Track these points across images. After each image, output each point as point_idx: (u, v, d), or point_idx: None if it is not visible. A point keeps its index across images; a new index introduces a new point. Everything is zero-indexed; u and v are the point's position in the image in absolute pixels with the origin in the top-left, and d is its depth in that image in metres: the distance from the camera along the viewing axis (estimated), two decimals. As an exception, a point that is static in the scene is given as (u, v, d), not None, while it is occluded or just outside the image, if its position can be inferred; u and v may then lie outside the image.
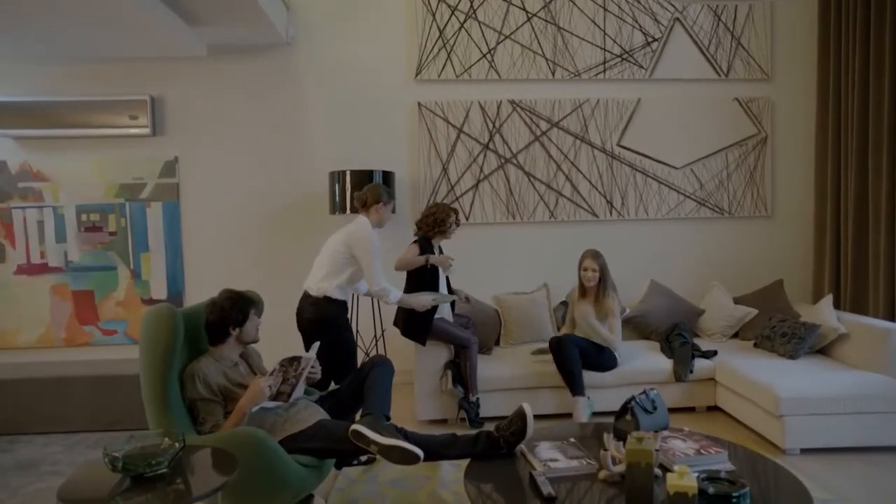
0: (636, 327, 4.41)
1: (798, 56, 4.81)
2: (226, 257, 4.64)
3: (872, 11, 4.14)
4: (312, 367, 2.59)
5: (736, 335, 4.38)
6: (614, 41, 4.68)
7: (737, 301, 4.48)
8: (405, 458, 2.30)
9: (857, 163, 4.31)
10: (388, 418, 2.53)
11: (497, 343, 4.30)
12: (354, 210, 4.18)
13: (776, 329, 3.96)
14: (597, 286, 3.84)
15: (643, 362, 3.87)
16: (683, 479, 1.85)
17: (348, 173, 4.18)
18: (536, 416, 3.92)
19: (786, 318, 4.00)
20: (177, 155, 4.57)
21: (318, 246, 4.67)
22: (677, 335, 4.12)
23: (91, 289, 4.57)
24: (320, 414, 2.57)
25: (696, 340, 4.22)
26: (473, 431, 2.47)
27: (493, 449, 2.39)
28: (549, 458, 2.34)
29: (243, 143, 4.60)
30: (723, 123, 4.76)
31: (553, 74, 4.66)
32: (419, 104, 4.61)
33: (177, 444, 1.78)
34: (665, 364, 3.86)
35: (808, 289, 4.87)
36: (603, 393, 3.81)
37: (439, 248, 3.85)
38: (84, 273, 4.56)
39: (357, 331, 4.47)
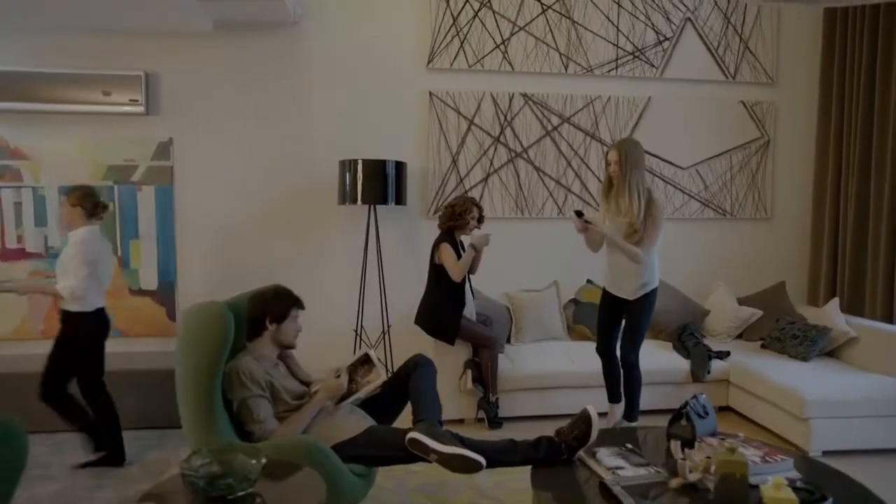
0: (645, 327, 4.40)
1: (803, 62, 4.89)
2: (223, 247, 4.39)
3: (881, 19, 4.23)
4: (378, 387, 2.46)
5: (740, 336, 4.44)
6: (627, 38, 4.64)
7: (740, 302, 4.53)
8: (467, 466, 2.19)
9: (860, 168, 4.41)
10: (440, 423, 2.41)
11: (507, 341, 4.22)
12: (366, 201, 4.02)
13: (785, 331, 4.02)
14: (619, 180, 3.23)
15: (660, 362, 3.86)
16: (780, 491, 1.81)
17: (360, 163, 4.00)
18: (554, 416, 3.89)
19: (794, 321, 4.06)
20: (171, 136, 4.28)
21: (325, 237, 4.48)
22: (689, 335, 4.14)
23: (73, 277, 4.24)
24: (368, 420, 2.43)
25: (704, 341, 4.24)
26: (532, 437, 2.37)
27: (554, 455, 2.30)
28: (614, 465, 2.26)
29: (244, 126, 4.36)
30: (728, 125, 4.80)
31: (566, 69, 4.59)
32: (430, 93, 4.46)
33: (256, 462, 1.61)
34: (682, 364, 3.87)
35: (804, 291, 4.97)
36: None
37: (459, 243, 3.73)
38: (66, 260, 4.23)
39: (362, 326, 4.32)
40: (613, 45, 4.63)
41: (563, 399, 3.78)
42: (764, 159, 4.87)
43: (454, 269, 3.47)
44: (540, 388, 3.76)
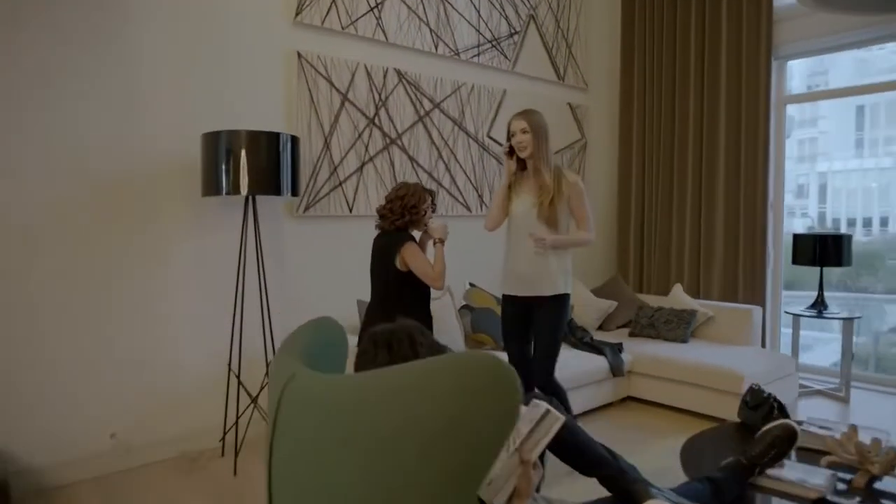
0: (532, 327, 4.21)
1: (606, 70, 5.36)
2: (13, 261, 2.59)
3: (678, 33, 4.91)
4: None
5: (600, 327, 4.61)
6: (486, 25, 4.39)
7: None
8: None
9: (664, 168, 5.05)
10: None
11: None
12: (253, 191, 2.86)
13: (655, 318, 4.31)
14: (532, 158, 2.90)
15: (581, 362, 3.70)
16: None
17: (244, 135, 2.83)
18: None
19: (660, 308, 4.38)
20: None
21: (172, 244, 3.07)
22: (582, 331, 4.11)
23: None
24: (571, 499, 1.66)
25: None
26: (723, 466, 1.94)
27: (745, 480, 1.93)
28: (795, 478, 2.01)
29: (36, 80, 2.64)
30: (560, 125, 4.95)
31: (436, 48, 4.09)
32: (299, 54, 3.44)
33: None
34: (600, 362, 3.78)
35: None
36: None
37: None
38: None
39: (240, 365, 3.07)
40: (476, 29, 4.32)
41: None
42: (584, 159, 5.19)
43: (432, 275, 2.71)
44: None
